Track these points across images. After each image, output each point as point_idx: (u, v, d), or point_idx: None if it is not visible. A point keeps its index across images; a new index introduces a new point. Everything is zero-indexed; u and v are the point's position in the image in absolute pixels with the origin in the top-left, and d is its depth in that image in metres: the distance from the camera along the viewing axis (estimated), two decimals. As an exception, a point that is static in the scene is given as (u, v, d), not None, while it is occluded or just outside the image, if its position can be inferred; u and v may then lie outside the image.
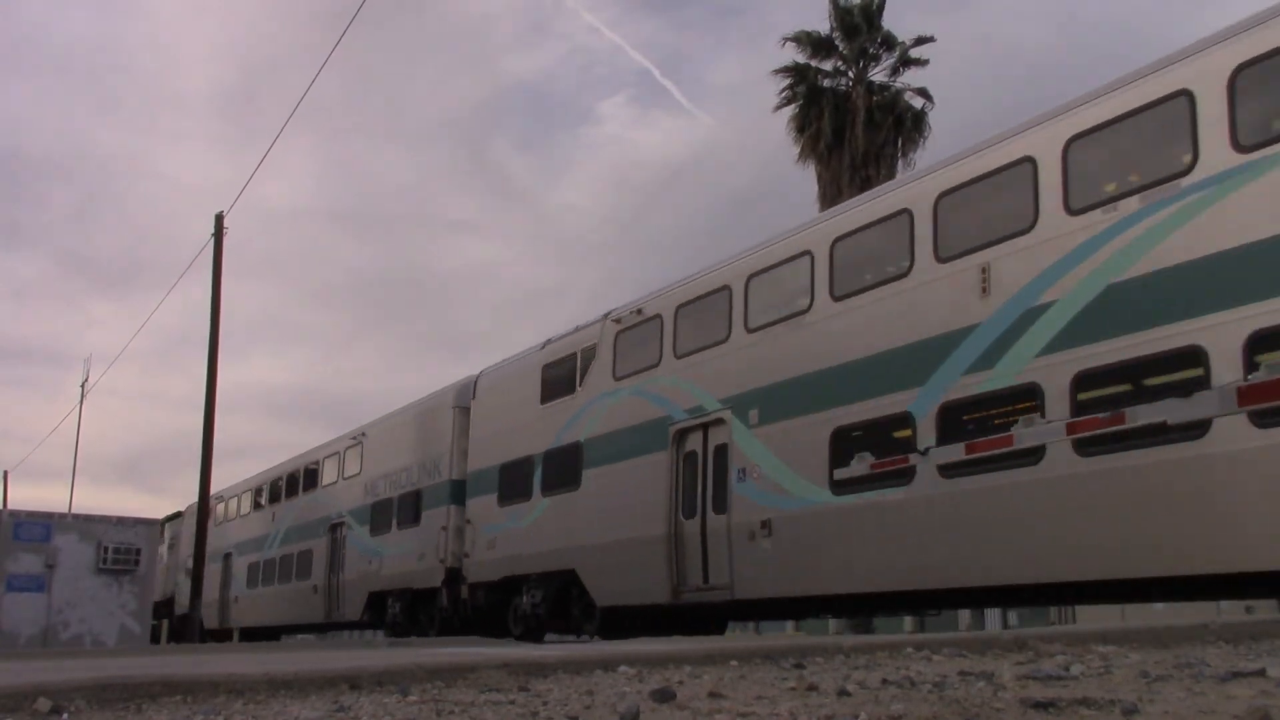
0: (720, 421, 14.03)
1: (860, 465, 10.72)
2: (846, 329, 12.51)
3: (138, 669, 5.70)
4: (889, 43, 28.19)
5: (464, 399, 20.93)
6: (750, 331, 13.83)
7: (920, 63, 28.15)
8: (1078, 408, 9.81)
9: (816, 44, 28.39)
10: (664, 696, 4.33)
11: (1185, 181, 9.51)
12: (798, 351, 13.06)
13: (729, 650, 5.96)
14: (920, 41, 28.04)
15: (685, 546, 14.50)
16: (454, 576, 20.02)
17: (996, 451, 9.74)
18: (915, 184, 12.31)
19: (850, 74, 28.37)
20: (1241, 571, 8.58)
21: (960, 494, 10.86)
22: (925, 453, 10.92)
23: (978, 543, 10.61)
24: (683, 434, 14.71)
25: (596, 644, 11.32)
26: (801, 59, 28.55)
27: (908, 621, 22.18)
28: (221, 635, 30.18)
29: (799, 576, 12.78)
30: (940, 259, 11.47)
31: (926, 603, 13.71)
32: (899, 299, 11.85)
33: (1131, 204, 9.97)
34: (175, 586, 33.59)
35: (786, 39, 28.60)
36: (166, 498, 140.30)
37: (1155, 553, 9.06)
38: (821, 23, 28.88)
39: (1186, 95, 9.68)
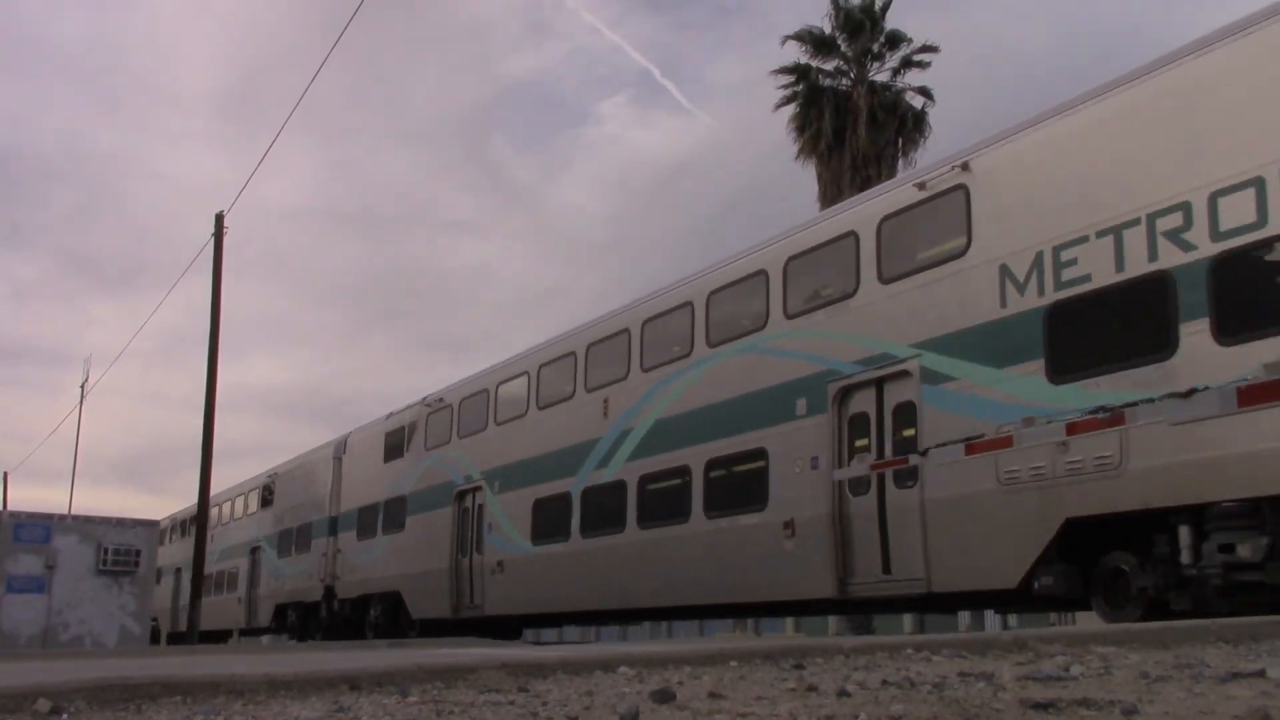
0: (479, 488, 20.19)
1: (548, 527, 17.83)
2: (545, 430, 18.36)
3: (138, 669, 5.70)
4: (893, 41, 28.16)
5: (339, 452, 26.87)
6: (498, 425, 20.04)
7: (923, 65, 28.14)
8: (647, 498, 15.65)
9: (818, 43, 28.35)
10: (664, 697, 4.33)
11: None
12: (519, 443, 19.07)
13: (729, 651, 5.96)
14: (924, 50, 28.02)
15: (460, 576, 20.56)
16: (330, 593, 26.05)
17: (998, 452, 10.35)
18: (574, 337, 18.33)
19: (851, 73, 28.35)
20: (780, 600, 13.63)
21: (594, 547, 16.61)
22: (925, 453, 11.22)
23: (606, 575, 16.30)
24: (460, 495, 20.91)
25: (596, 645, 12.15)
26: (803, 58, 28.54)
27: (907, 622, 22.30)
28: (175, 638, 34.47)
29: (518, 600, 18.85)
30: (586, 389, 17.41)
31: (592, 619, 21.06)
32: (569, 413, 17.76)
33: (667, 369, 15.77)
34: None
35: (788, 38, 28.59)
36: (166, 498, 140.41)
37: (740, 587, 13.90)
38: (822, 22, 28.83)
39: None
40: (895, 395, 11.91)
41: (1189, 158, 9.42)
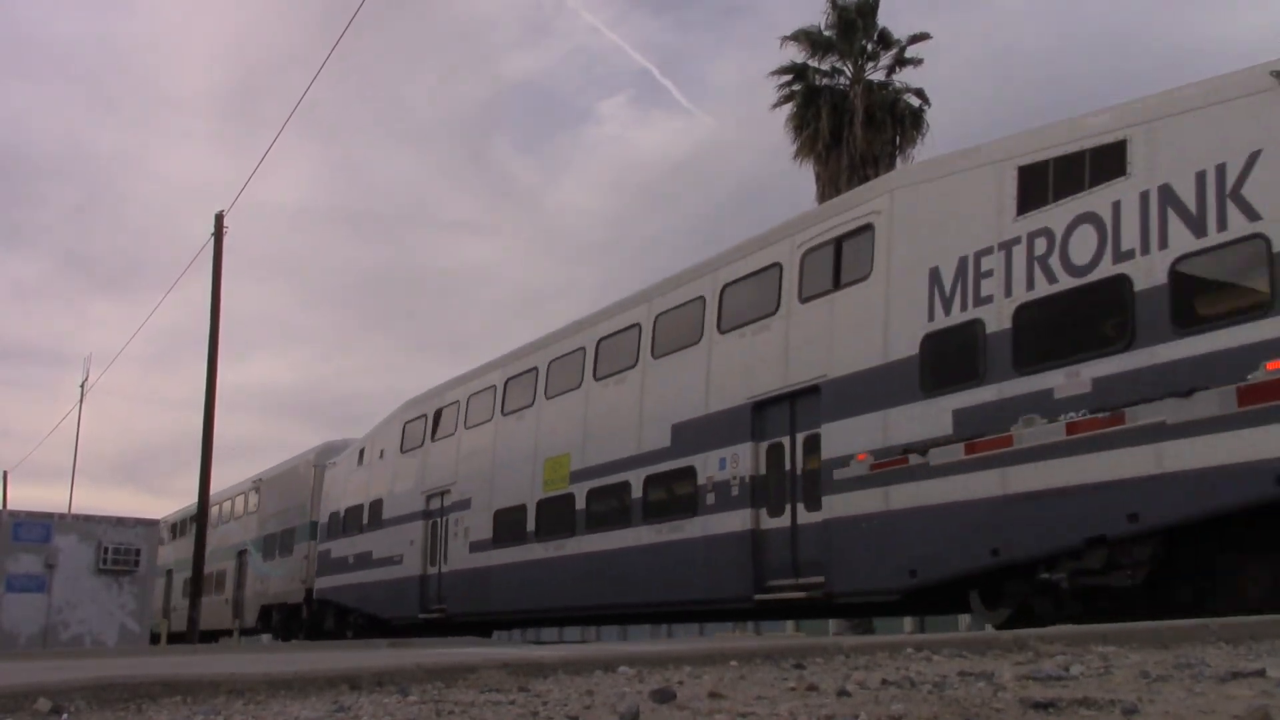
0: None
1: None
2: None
3: (138, 669, 5.70)
4: (885, 40, 28.12)
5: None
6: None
7: (916, 62, 28.09)
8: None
9: (815, 42, 28.31)
10: (664, 697, 4.33)
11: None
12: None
13: (729, 650, 5.96)
14: (916, 39, 27.96)
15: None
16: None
17: (999, 451, 10.38)
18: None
19: (848, 72, 28.33)
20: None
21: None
22: (925, 453, 11.23)
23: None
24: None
25: (597, 644, 12.11)
26: (800, 58, 28.51)
27: (907, 622, 22.30)
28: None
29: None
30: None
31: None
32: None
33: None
34: None
35: (785, 38, 28.55)
36: (166, 498, 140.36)
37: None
38: (820, 22, 28.79)
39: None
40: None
41: None
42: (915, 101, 27.86)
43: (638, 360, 16.18)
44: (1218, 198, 9.13)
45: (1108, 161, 10.06)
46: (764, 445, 13.59)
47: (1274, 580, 9.02)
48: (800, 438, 13.10)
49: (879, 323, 11.95)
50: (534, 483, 18.37)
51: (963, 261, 11.12)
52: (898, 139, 27.67)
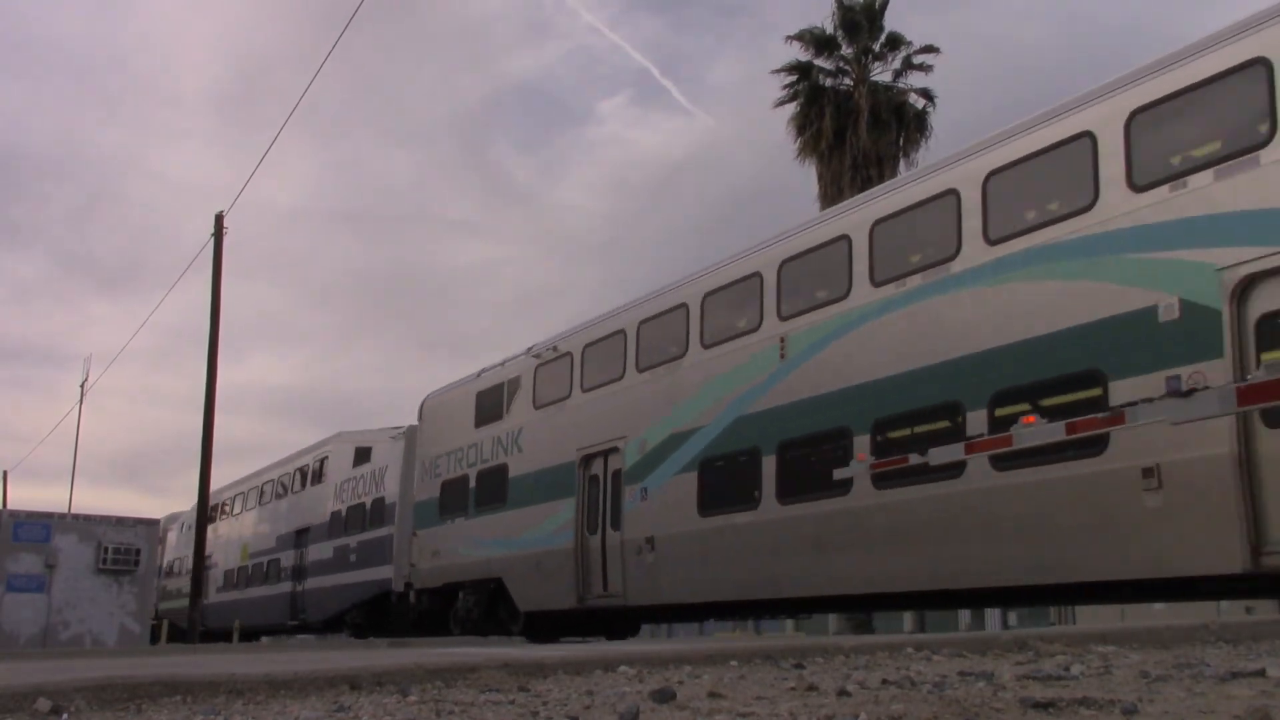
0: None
1: None
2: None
3: (138, 669, 5.69)
4: (893, 42, 28.13)
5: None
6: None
7: (926, 68, 28.09)
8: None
9: (820, 42, 28.31)
10: (664, 696, 4.33)
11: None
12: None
13: (729, 651, 5.96)
14: (925, 50, 27.98)
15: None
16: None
17: (998, 451, 9.96)
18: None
19: (852, 73, 28.32)
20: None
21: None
22: (925, 453, 11.05)
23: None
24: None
25: (597, 644, 11.78)
26: (804, 57, 28.50)
27: (907, 621, 22.26)
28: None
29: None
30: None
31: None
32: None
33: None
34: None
35: (790, 37, 28.54)
36: (166, 498, 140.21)
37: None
38: (823, 22, 28.79)
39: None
40: None
41: None
42: (920, 103, 27.87)
43: None
44: None
45: None
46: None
47: None
48: None
49: None
50: None
51: None
52: (901, 140, 27.68)
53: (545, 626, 16.88)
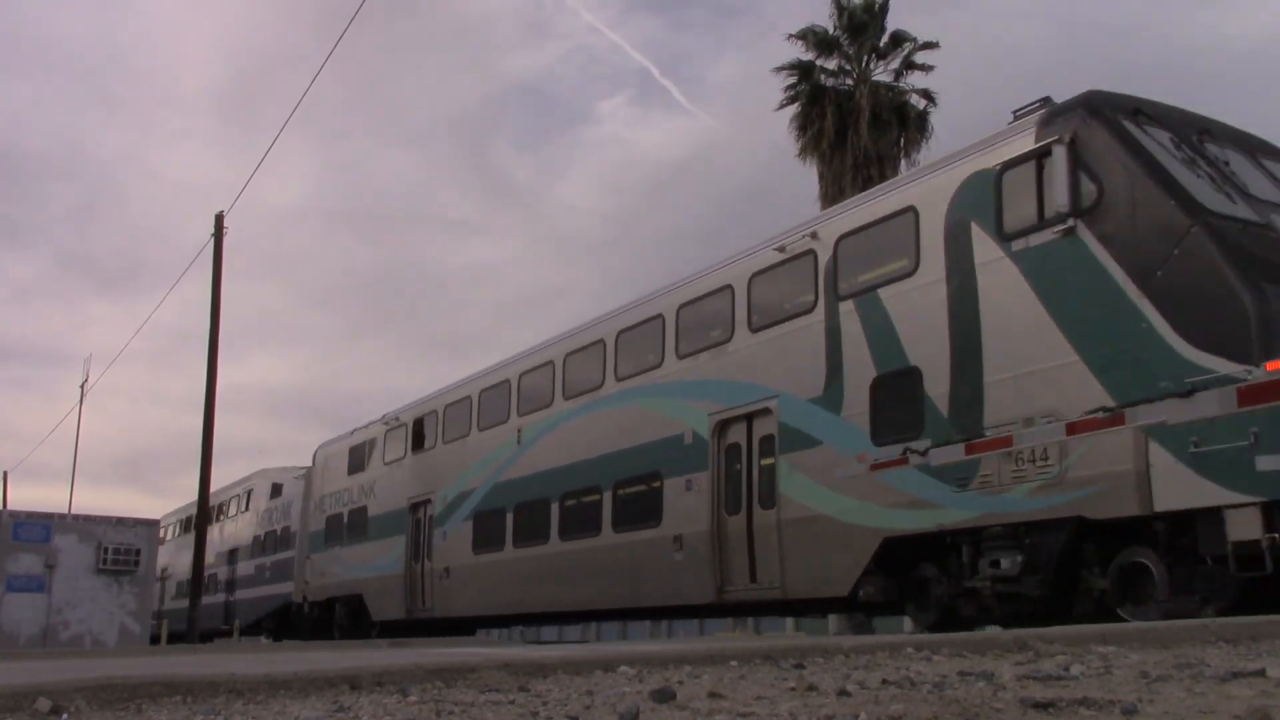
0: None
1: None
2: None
3: (138, 669, 5.69)
4: (895, 41, 28.12)
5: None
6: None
7: (926, 68, 28.08)
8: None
9: (821, 42, 28.29)
10: (664, 696, 4.33)
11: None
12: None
13: (729, 650, 5.96)
14: (925, 46, 27.96)
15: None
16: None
17: (999, 451, 10.29)
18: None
19: (854, 73, 28.31)
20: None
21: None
22: (925, 453, 11.26)
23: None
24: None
25: (597, 644, 12.25)
26: (805, 57, 28.48)
27: (907, 622, 22.28)
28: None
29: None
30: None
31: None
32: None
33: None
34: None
35: (791, 36, 28.53)
36: (166, 498, 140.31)
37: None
38: (824, 22, 28.77)
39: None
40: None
41: None
42: (921, 103, 27.86)
43: None
44: None
45: None
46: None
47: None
48: None
49: None
50: None
51: None
52: (902, 140, 27.68)
53: (395, 632, 21.68)
